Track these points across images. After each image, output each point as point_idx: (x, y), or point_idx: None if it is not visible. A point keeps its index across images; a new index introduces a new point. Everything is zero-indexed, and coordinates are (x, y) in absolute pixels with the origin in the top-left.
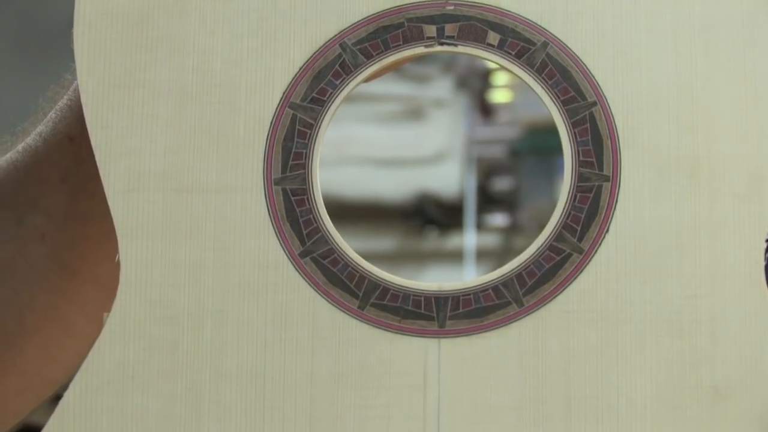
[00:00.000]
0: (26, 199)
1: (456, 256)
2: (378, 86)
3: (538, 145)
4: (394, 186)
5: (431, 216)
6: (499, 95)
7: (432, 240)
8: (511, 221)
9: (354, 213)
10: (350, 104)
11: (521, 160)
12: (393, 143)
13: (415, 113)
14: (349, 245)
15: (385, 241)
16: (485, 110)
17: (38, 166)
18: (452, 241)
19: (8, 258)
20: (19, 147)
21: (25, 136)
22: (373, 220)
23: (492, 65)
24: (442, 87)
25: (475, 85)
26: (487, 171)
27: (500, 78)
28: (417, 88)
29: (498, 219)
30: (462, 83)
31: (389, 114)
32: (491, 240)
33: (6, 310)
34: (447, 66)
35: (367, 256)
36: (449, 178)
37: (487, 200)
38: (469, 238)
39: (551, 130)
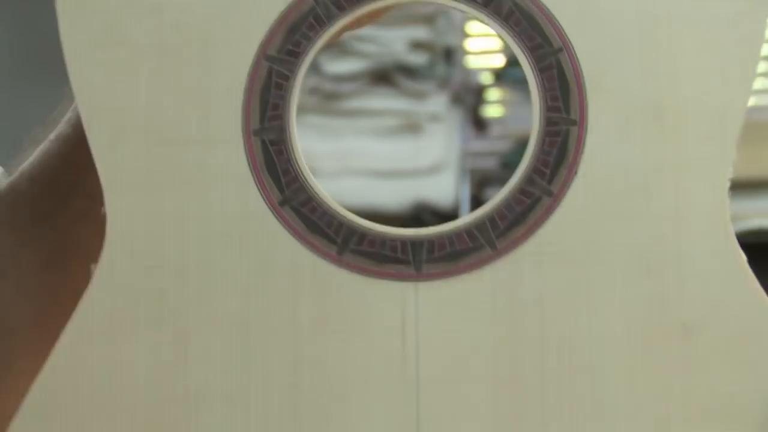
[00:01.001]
0: (67, 184)
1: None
2: (377, 102)
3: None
4: (392, 196)
5: (428, 224)
6: (492, 110)
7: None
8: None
9: None
10: (350, 119)
11: (512, 171)
12: (391, 156)
13: (412, 127)
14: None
15: None
16: (478, 124)
17: (73, 151)
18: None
19: (55, 242)
20: (51, 136)
21: (54, 125)
22: None
23: (485, 82)
24: (437, 103)
25: (468, 101)
26: (480, 182)
27: (493, 94)
28: (414, 103)
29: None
30: (456, 99)
31: (388, 128)
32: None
33: (64, 293)
34: (443, 83)
35: None
36: (444, 189)
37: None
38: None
39: None
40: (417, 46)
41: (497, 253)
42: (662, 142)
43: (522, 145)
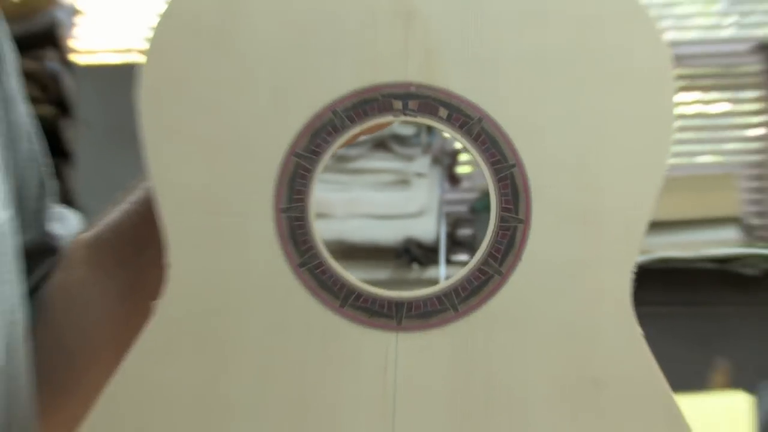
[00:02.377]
0: (142, 236)
1: (433, 284)
2: (376, 163)
3: (489, 204)
4: (388, 233)
5: (415, 255)
6: (463, 169)
7: (415, 272)
8: (471, 258)
9: (360, 253)
10: (356, 175)
11: (478, 215)
12: (387, 203)
13: (403, 182)
14: (350, 273)
15: (381, 273)
16: (452, 180)
17: (148, 211)
18: (430, 273)
19: (132, 280)
20: (131, 198)
21: (133, 189)
22: (373, 258)
23: (458, 147)
24: (422, 163)
25: (445, 162)
26: (454, 222)
27: (463, 156)
28: (404, 164)
29: (462, 257)
30: (436, 160)
31: (385, 182)
32: (456, 272)
33: (135, 323)
34: (426, 148)
35: (368, 283)
36: (427, 228)
37: (455, 243)
38: (442, 271)
39: None
40: (406, 120)
41: (458, 315)
42: (586, 240)
43: (485, 195)
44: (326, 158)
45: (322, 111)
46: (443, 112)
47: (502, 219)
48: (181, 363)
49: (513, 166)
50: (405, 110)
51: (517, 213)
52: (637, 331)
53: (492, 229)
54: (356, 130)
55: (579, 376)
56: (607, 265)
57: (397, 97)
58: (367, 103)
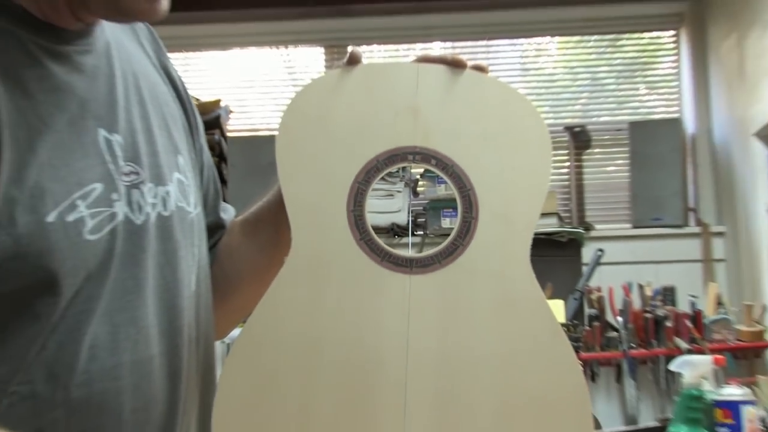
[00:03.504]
0: (271, 218)
1: (405, 246)
2: (379, 185)
3: (434, 206)
4: (382, 221)
5: (396, 232)
6: (420, 188)
7: (396, 240)
8: (424, 234)
9: None
10: (372, 191)
11: (428, 211)
12: (384, 205)
13: (390, 195)
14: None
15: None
16: (415, 194)
17: (272, 205)
18: (404, 241)
19: (265, 241)
20: (263, 198)
21: (264, 195)
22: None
23: (418, 177)
24: (400, 185)
25: (411, 185)
26: (415, 216)
27: (421, 182)
28: (391, 186)
29: (419, 233)
30: (407, 184)
31: (381, 195)
32: (417, 240)
33: (272, 263)
34: (402, 178)
35: None
36: (402, 218)
37: (416, 226)
38: (410, 239)
39: (441, 201)
40: (414, 166)
41: (442, 266)
42: (507, 229)
43: (434, 201)
44: (373, 184)
45: (371, 161)
46: (433, 162)
47: (463, 217)
48: (297, 290)
49: (469, 189)
50: (414, 161)
51: (471, 214)
52: (532, 274)
53: (459, 223)
54: (387, 170)
55: (504, 297)
56: (517, 242)
57: (410, 154)
58: (394, 157)
